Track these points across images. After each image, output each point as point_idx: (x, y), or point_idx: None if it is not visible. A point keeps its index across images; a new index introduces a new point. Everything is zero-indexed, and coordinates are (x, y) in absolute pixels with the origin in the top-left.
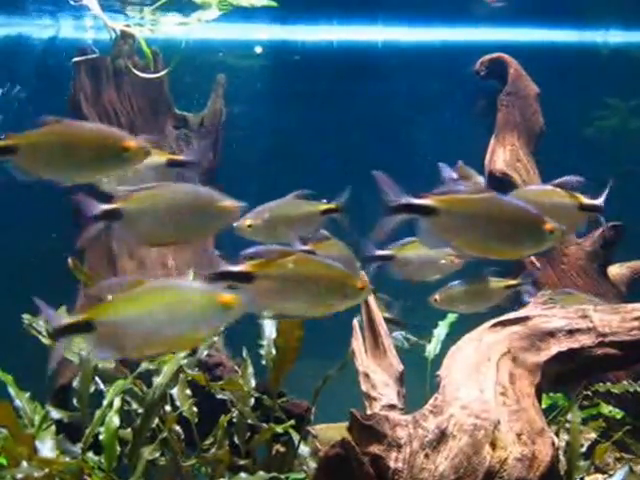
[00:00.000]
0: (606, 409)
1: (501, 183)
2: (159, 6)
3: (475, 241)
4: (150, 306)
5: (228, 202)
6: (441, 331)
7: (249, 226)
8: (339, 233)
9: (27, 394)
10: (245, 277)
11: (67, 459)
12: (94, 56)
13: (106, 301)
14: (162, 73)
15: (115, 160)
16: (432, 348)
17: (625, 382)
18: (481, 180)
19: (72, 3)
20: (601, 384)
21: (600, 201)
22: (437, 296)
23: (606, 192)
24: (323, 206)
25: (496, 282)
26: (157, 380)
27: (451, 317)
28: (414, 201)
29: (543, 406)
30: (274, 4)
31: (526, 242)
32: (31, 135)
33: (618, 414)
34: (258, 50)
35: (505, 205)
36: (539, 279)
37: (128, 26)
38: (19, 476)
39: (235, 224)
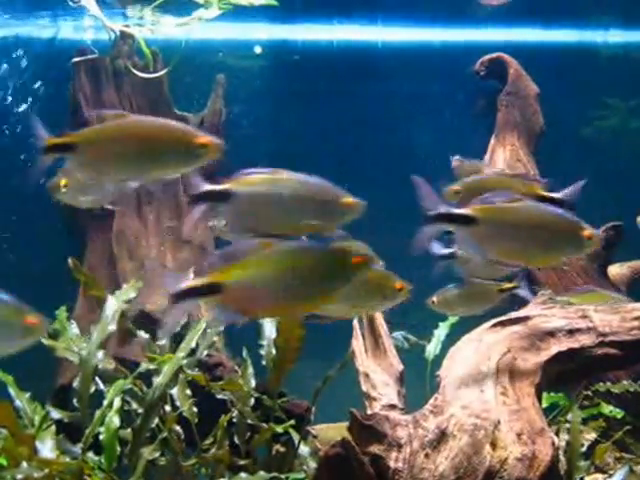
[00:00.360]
0: (606, 409)
1: None
2: (158, 5)
3: (514, 250)
4: (278, 268)
5: (351, 199)
6: (441, 331)
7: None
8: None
9: (27, 394)
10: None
11: (67, 459)
12: (93, 56)
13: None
14: (161, 73)
15: (187, 158)
16: (432, 348)
17: (625, 382)
18: (483, 166)
19: (71, 4)
20: (601, 384)
21: (560, 195)
22: (434, 298)
23: (574, 188)
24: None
25: (491, 285)
26: (157, 380)
27: (452, 318)
28: (454, 211)
29: (544, 406)
30: (274, 3)
31: (565, 249)
32: (91, 131)
33: (618, 414)
34: (258, 50)
35: (543, 213)
36: (539, 279)
37: (127, 26)
38: (19, 477)
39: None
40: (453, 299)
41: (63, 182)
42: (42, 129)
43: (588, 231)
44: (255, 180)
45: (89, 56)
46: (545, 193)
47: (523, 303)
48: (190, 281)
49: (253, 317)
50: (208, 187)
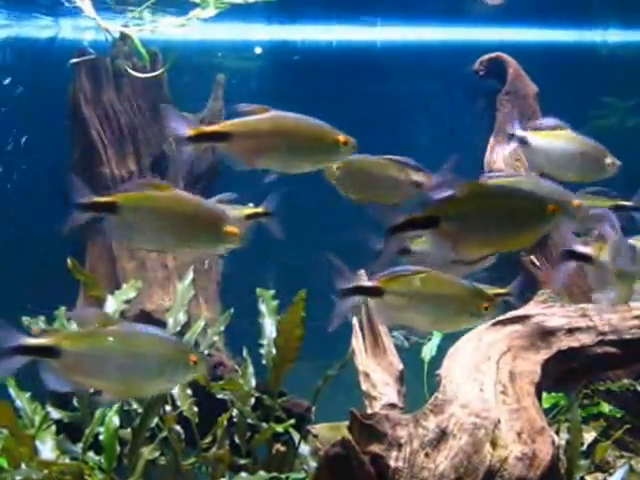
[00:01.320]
0: (606, 408)
1: None
2: (156, 5)
3: (478, 242)
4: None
5: (233, 227)
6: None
7: None
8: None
9: (27, 394)
10: (375, 292)
11: (67, 459)
12: (90, 57)
13: None
14: (158, 72)
15: (329, 153)
16: (428, 349)
17: (625, 380)
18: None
19: (67, 4)
20: (601, 383)
21: (423, 177)
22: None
23: (446, 168)
24: (248, 210)
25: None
26: None
27: None
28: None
29: (545, 406)
30: None
31: (529, 228)
32: (245, 122)
33: (617, 413)
34: (258, 51)
35: (505, 195)
36: (539, 278)
37: (126, 26)
38: (18, 478)
39: None
40: None
41: None
42: (181, 120)
43: (552, 205)
44: (141, 195)
45: (87, 57)
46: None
47: (523, 302)
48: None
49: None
50: (94, 198)
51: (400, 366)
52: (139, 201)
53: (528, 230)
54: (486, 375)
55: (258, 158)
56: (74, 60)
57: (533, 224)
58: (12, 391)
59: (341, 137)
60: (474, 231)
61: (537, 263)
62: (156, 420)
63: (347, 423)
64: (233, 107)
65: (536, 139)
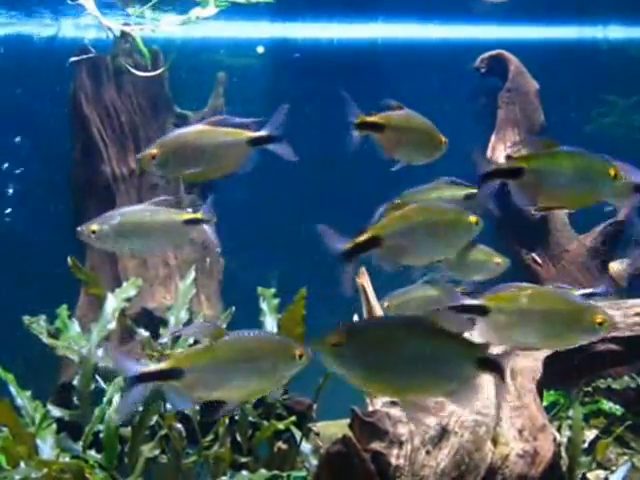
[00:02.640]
0: (606, 405)
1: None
2: (157, 5)
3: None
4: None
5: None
6: None
7: (93, 232)
8: None
9: (28, 393)
10: (481, 310)
11: (67, 458)
12: (91, 55)
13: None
14: (159, 71)
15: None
16: None
17: (626, 377)
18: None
19: (70, 2)
20: (602, 380)
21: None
22: (387, 302)
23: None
24: (186, 215)
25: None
26: None
27: None
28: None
29: (545, 403)
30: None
31: (598, 190)
32: (391, 117)
33: (617, 410)
34: (260, 50)
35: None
36: (540, 275)
37: (128, 25)
38: (17, 477)
39: (78, 228)
40: (407, 304)
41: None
42: (355, 107)
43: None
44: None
45: (87, 55)
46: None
47: None
48: None
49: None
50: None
51: None
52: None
53: (594, 189)
54: None
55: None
56: (74, 58)
57: (598, 185)
58: (13, 389)
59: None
60: (551, 184)
61: (539, 260)
62: (156, 418)
63: (348, 421)
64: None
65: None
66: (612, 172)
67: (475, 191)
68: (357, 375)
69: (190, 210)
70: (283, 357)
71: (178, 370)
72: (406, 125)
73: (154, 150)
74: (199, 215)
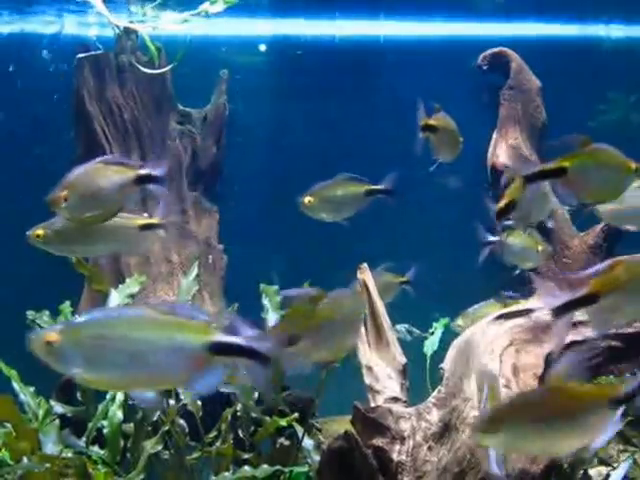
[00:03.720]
0: None
1: (504, 177)
2: (161, 2)
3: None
4: None
5: None
6: (440, 325)
7: (37, 236)
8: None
9: (31, 388)
10: (590, 300)
11: (70, 454)
12: (97, 52)
13: None
14: (165, 69)
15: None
16: (432, 342)
17: (628, 375)
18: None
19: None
20: (604, 377)
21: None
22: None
23: None
24: (142, 220)
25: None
26: None
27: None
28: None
29: None
30: None
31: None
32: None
33: None
34: (262, 48)
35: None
36: (541, 272)
37: (131, 22)
38: (20, 472)
39: (27, 232)
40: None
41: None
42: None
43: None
44: None
45: (94, 52)
46: None
47: (527, 295)
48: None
49: None
50: None
51: (403, 360)
52: None
53: (621, 183)
54: (489, 368)
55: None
56: (81, 55)
57: (624, 179)
58: (16, 385)
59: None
60: (591, 181)
61: None
62: (158, 414)
63: (350, 417)
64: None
65: None
66: (633, 166)
67: (375, 187)
68: (75, 372)
69: (146, 215)
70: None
71: None
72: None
73: (64, 192)
74: (154, 221)
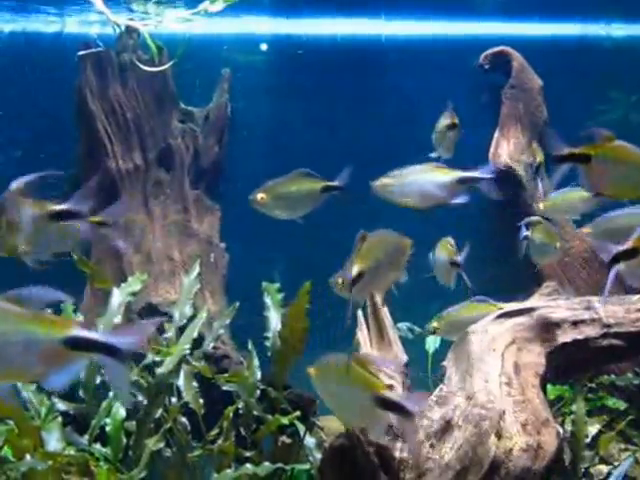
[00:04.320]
0: (610, 401)
1: (505, 176)
2: (162, 0)
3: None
4: None
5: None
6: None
7: None
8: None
9: (34, 386)
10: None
11: (72, 451)
12: (98, 50)
13: None
14: (166, 66)
15: None
16: (434, 340)
17: (630, 374)
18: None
19: None
20: (605, 377)
21: None
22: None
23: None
24: (51, 206)
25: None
26: (159, 371)
27: None
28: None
29: (550, 398)
30: None
31: None
32: (606, 148)
33: (622, 406)
34: (263, 47)
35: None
36: (543, 271)
37: (132, 20)
38: (23, 469)
39: None
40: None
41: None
42: (558, 140)
43: None
44: None
45: (94, 50)
46: None
47: (528, 294)
48: None
49: None
50: None
51: (405, 358)
52: None
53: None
54: (491, 367)
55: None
56: (82, 52)
57: None
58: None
59: None
60: (613, 173)
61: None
62: (160, 411)
63: None
64: None
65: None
66: None
67: (332, 184)
68: None
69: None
70: None
71: None
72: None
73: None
74: (64, 207)
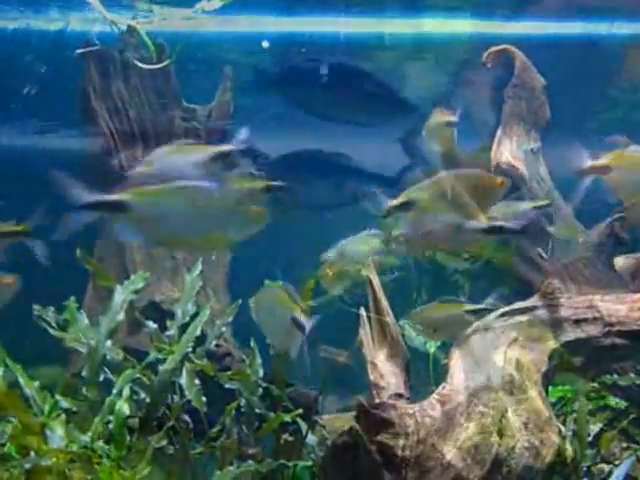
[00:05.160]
0: (612, 400)
1: (508, 175)
2: None
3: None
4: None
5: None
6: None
7: None
8: None
9: (36, 383)
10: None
11: (76, 448)
12: (97, 48)
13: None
14: (165, 63)
15: None
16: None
17: (632, 374)
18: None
19: None
20: (607, 376)
21: None
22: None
23: None
24: (7, 228)
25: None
26: (162, 368)
27: None
28: None
29: (552, 398)
30: None
31: None
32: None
33: (623, 405)
34: (265, 45)
35: None
36: (546, 269)
37: (134, 18)
38: (27, 466)
39: None
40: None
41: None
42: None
43: None
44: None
45: (93, 48)
46: None
47: (530, 293)
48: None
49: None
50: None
51: (407, 356)
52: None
53: None
54: (493, 365)
55: None
56: (80, 50)
57: None
58: (21, 380)
59: None
60: (627, 180)
61: (544, 255)
62: (163, 409)
63: (354, 413)
64: None
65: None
66: None
67: (273, 183)
68: None
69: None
70: None
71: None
72: None
73: None
74: (19, 228)
